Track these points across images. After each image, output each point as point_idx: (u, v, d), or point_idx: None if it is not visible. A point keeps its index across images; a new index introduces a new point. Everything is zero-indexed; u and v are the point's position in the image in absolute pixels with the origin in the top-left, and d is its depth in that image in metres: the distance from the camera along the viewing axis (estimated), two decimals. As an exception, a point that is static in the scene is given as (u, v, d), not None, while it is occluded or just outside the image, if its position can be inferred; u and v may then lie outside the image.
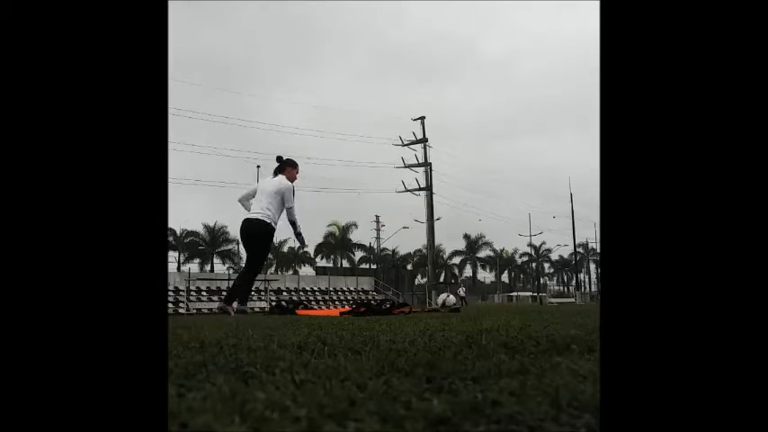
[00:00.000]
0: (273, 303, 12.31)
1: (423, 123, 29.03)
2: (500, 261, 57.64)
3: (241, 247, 5.79)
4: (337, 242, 48.33)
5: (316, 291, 21.37)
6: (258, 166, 29.87)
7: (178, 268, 37.69)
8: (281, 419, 0.63)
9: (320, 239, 48.27)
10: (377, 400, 0.72)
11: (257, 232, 5.53)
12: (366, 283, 24.34)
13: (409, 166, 28.73)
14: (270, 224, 5.53)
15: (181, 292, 16.23)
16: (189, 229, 44.12)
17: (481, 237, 55.03)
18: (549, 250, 57.15)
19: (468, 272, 57.69)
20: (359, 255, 49.71)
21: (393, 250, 52.29)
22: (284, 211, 5.62)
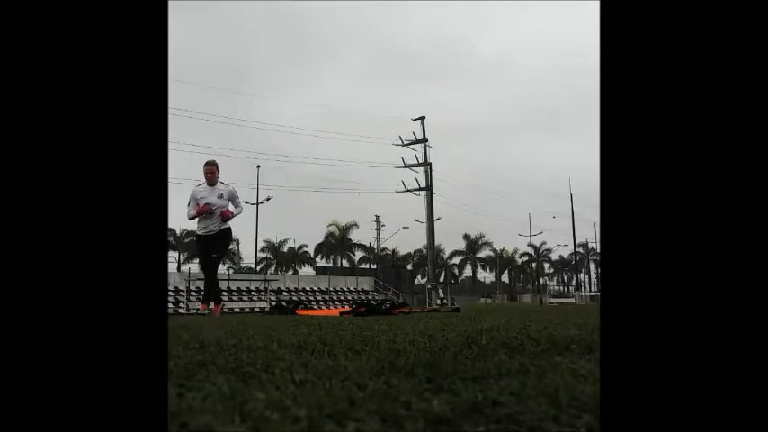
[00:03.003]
0: (273, 303, 12.29)
1: (423, 123, 29.03)
2: (500, 261, 57.58)
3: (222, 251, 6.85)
4: (337, 242, 48.32)
5: (316, 291, 21.38)
6: (258, 166, 29.81)
7: (178, 268, 37.63)
8: (282, 419, 0.63)
9: (320, 239, 48.23)
10: (377, 400, 0.72)
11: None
12: (366, 283, 24.33)
13: (409, 166, 28.73)
14: None
15: (181, 292, 16.22)
16: (189, 229, 44.06)
17: (481, 237, 54.98)
18: (548, 250, 57.09)
19: (468, 272, 57.58)
20: (359, 255, 49.66)
21: (393, 250, 52.27)
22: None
